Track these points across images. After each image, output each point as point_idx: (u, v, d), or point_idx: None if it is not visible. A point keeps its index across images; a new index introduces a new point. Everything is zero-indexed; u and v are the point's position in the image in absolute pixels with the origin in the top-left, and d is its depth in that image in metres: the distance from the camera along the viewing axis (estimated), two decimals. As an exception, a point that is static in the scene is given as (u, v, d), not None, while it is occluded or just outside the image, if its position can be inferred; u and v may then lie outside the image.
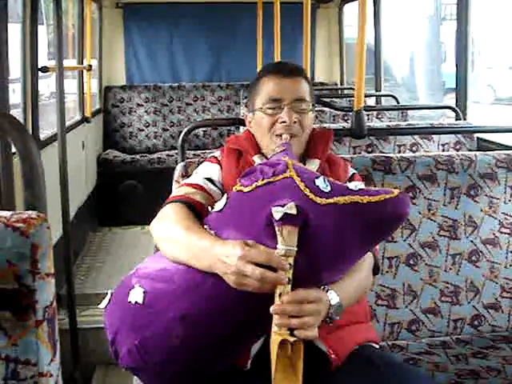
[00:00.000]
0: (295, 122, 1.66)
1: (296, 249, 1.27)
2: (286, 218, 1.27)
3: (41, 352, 0.92)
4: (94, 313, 3.10)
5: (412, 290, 2.07)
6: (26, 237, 0.90)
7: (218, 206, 1.43)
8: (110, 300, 1.43)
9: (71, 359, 2.79)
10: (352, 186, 1.37)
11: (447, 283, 2.08)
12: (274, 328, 1.26)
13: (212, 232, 1.39)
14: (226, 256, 1.28)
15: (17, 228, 0.90)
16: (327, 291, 1.36)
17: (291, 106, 1.67)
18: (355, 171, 1.79)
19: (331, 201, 1.31)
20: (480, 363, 1.88)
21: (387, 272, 2.05)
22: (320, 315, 1.32)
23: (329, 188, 1.33)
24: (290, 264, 1.26)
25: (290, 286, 1.27)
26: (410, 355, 1.95)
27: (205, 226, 1.43)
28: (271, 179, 1.36)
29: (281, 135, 1.66)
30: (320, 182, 1.34)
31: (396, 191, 1.35)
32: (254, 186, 1.37)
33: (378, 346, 1.65)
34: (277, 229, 1.28)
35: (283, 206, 1.28)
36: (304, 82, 1.72)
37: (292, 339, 1.25)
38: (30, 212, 0.94)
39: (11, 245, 0.89)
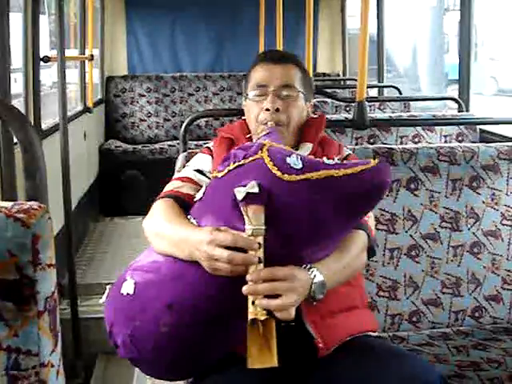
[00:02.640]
0: (278, 110, 1.65)
1: (264, 227, 1.26)
2: (250, 198, 1.27)
3: (42, 342, 0.92)
4: (96, 303, 3.09)
5: (413, 282, 2.07)
6: (26, 227, 0.89)
7: (199, 195, 1.46)
8: (108, 294, 1.46)
9: (73, 349, 2.80)
10: (329, 160, 1.35)
11: (448, 275, 2.08)
12: (250, 309, 1.26)
13: (194, 221, 1.41)
14: (198, 243, 1.30)
15: (18, 218, 0.89)
16: (309, 269, 1.35)
17: (276, 93, 1.67)
18: (351, 152, 1.78)
19: (302, 177, 1.29)
20: (481, 355, 1.88)
21: (388, 263, 2.05)
22: (296, 293, 1.30)
23: (300, 165, 1.32)
24: (259, 243, 1.26)
25: (262, 265, 1.26)
26: (411, 346, 1.95)
27: (189, 217, 1.45)
28: (242, 162, 1.36)
29: (266, 123, 1.66)
30: (291, 160, 1.32)
31: (374, 161, 1.33)
32: (226, 170, 1.38)
33: (375, 335, 1.64)
34: (242, 209, 1.28)
35: (245, 186, 1.28)
36: (294, 68, 1.72)
37: (262, 317, 1.24)
38: (31, 202, 0.94)
39: (12, 235, 0.89)
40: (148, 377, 2.58)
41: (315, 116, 1.83)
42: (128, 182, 5.13)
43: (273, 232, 1.27)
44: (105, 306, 1.45)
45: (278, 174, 1.30)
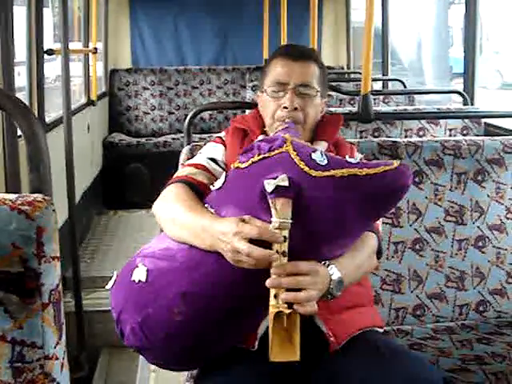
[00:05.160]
0: (296, 109, 1.64)
1: (291, 221, 1.26)
2: (279, 191, 1.27)
3: (46, 335, 0.92)
4: (100, 296, 3.11)
5: (417, 275, 2.06)
6: (31, 220, 0.89)
7: (217, 184, 1.44)
8: (115, 281, 1.44)
9: (77, 342, 2.80)
10: (351, 159, 1.36)
11: (453, 269, 2.08)
12: (272, 302, 1.26)
13: (212, 210, 1.40)
14: (222, 233, 1.29)
15: (22, 211, 0.89)
16: (328, 266, 1.36)
17: (295, 91, 1.66)
18: (362, 156, 1.78)
19: (328, 173, 1.30)
20: (485, 349, 1.88)
21: (393, 257, 2.05)
22: (317, 288, 1.31)
23: (326, 161, 1.32)
24: (284, 237, 1.26)
25: (286, 259, 1.26)
26: (415, 340, 1.95)
27: (205, 205, 1.43)
28: (267, 154, 1.36)
29: (284, 120, 1.65)
30: (317, 156, 1.33)
31: (396, 163, 1.34)
32: (250, 161, 1.37)
33: (381, 331, 1.65)
34: (270, 202, 1.27)
35: (275, 179, 1.27)
36: (313, 66, 1.70)
37: (288, 311, 1.25)
38: (35, 195, 0.94)
39: (16, 228, 0.89)
40: (152, 369, 2.60)
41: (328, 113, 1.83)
42: (132, 175, 5.13)
43: (297, 226, 1.27)
44: (111, 293, 1.44)
45: (306, 168, 1.30)
